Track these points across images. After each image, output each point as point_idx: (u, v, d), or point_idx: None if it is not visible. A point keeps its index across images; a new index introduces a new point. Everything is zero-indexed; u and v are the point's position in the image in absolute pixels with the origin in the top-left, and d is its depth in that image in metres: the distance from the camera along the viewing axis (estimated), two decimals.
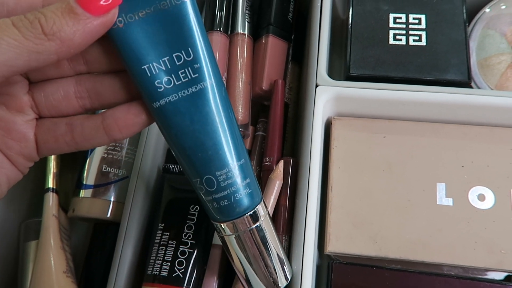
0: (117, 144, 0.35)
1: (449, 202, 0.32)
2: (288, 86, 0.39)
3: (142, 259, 0.31)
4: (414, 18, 0.36)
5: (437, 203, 0.32)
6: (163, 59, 0.19)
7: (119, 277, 0.29)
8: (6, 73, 0.16)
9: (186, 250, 0.28)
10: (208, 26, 0.37)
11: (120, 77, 0.20)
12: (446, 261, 0.30)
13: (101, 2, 0.17)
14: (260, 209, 0.23)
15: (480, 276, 0.30)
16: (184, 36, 0.19)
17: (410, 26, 0.36)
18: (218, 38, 0.37)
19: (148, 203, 0.33)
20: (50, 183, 0.33)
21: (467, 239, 0.31)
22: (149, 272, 0.29)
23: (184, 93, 0.19)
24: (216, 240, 0.31)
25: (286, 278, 0.26)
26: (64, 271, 0.29)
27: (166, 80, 0.19)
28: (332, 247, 0.31)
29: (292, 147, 0.38)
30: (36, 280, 0.29)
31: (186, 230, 0.29)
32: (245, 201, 0.22)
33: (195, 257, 0.28)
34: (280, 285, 0.25)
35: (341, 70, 0.41)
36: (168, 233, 0.29)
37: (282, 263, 0.25)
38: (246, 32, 0.38)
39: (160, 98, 0.19)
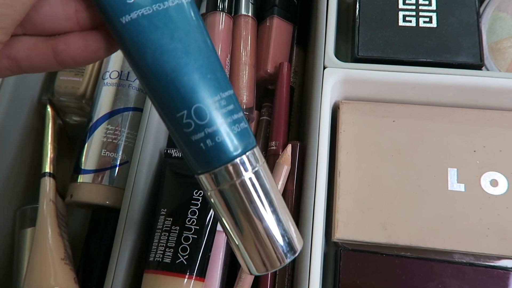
0: (116, 128, 0.34)
1: (460, 187, 0.31)
2: (293, 70, 0.38)
3: (143, 246, 0.30)
4: None
5: (449, 189, 0.31)
6: None
7: (119, 265, 0.28)
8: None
9: (190, 236, 0.27)
10: (211, 7, 0.36)
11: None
12: (457, 248, 0.29)
13: None
14: (257, 153, 0.19)
15: (493, 264, 0.29)
16: None
17: (420, 7, 0.34)
18: (222, 19, 0.35)
19: (150, 189, 0.31)
20: (47, 168, 0.32)
21: (479, 226, 0.30)
22: (151, 259, 0.27)
23: (159, 6, 0.17)
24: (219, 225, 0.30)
25: (298, 246, 0.19)
26: (62, 258, 0.28)
27: None
28: (340, 234, 0.30)
29: (298, 132, 0.37)
30: (33, 268, 0.27)
31: (190, 216, 0.28)
32: (240, 139, 0.18)
33: (199, 243, 0.27)
34: (287, 256, 0.19)
35: (347, 55, 0.40)
36: (171, 219, 0.28)
37: (291, 226, 0.19)
38: (250, 14, 0.37)
39: (130, 11, 0.17)
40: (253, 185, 0.18)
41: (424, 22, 0.34)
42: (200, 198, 0.28)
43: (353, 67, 0.32)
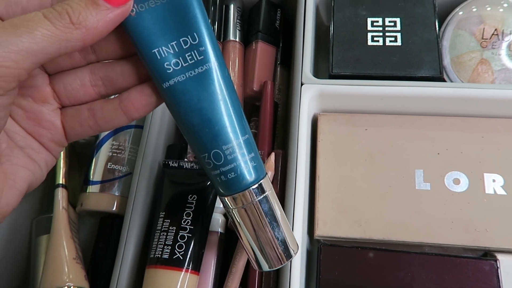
0: (120, 144, 0.38)
1: (427, 186, 0.34)
2: (277, 88, 0.42)
3: (145, 247, 0.34)
4: (390, 21, 0.39)
5: (416, 188, 0.34)
6: (171, 43, 0.21)
7: (124, 262, 0.32)
8: (42, 60, 0.19)
9: (185, 234, 0.31)
10: None
11: (129, 63, 0.23)
12: (425, 240, 0.33)
13: None
14: (265, 182, 0.24)
15: (456, 254, 0.33)
16: (190, 23, 0.21)
17: (387, 28, 0.39)
18: None
19: (150, 196, 0.35)
20: (60, 180, 0.36)
21: (444, 220, 0.33)
22: (152, 256, 0.31)
23: (191, 73, 0.22)
24: (213, 227, 0.34)
25: (294, 250, 0.26)
26: (74, 257, 0.32)
27: (174, 62, 0.21)
28: (320, 232, 0.34)
29: (282, 144, 0.41)
30: (48, 266, 0.31)
31: (185, 217, 0.32)
32: (251, 174, 0.23)
33: (193, 241, 0.31)
34: (287, 257, 0.25)
35: (327, 72, 0.44)
36: (169, 220, 0.32)
37: (290, 235, 0.25)
38: (237, 39, 0.42)
39: (169, 79, 0.21)
40: (262, 206, 0.24)
41: (390, 41, 0.38)
42: (194, 201, 0.32)
43: (327, 83, 0.37)
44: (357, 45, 0.39)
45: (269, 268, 0.25)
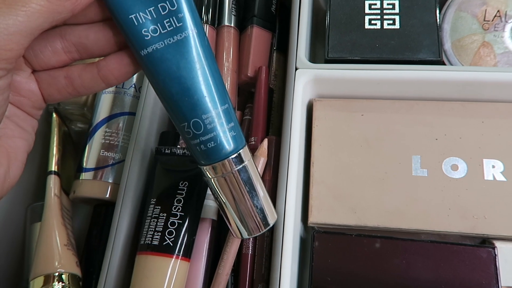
0: (113, 131, 0.38)
1: (424, 173, 0.33)
2: (273, 74, 0.41)
3: (137, 233, 0.34)
4: (388, 4, 0.38)
5: (413, 174, 0.33)
6: (149, 9, 0.21)
7: (115, 248, 0.32)
8: (37, 35, 0.19)
9: (175, 221, 0.31)
10: None
11: (104, 30, 0.22)
12: (421, 227, 0.32)
13: None
14: (244, 152, 0.24)
15: (453, 241, 0.32)
16: None
17: (385, 11, 0.38)
18: (206, 31, 0.39)
19: (142, 183, 0.35)
20: (53, 167, 0.36)
21: (441, 207, 0.32)
22: (142, 242, 0.31)
23: (169, 40, 0.21)
24: (205, 214, 0.33)
25: (272, 219, 0.27)
26: (65, 244, 0.32)
27: (152, 28, 0.21)
28: (313, 219, 0.33)
29: (278, 130, 0.40)
30: (40, 252, 0.31)
31: (176, 203, 0.31)
32: (230, 144, 0.23)
33: (184, 227, 0.31)
34: (265, 226, 0.26)
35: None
36: (160, 207, 0.32)
37: (268, 205, 0.26)
38: (232, 25, 0.41)
39: (147, 46, 0.21)
40: (241, 175, 0.24)
41: (388, 24, 0.37)
42: (185, 188, 0.32)
43: (322, 67, 0.36)
44: (354, 28, 0.37)
45: (248, 235, 0.26)
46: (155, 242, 0.30)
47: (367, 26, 0.37)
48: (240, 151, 0.24)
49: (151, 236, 0.31)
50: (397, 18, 0.37)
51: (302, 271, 0.35)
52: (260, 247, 0.33)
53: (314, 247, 0.32)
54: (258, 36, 0.40)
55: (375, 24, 0.37)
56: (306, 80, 0.36)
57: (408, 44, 0.36)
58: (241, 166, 0.24)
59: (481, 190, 0.32)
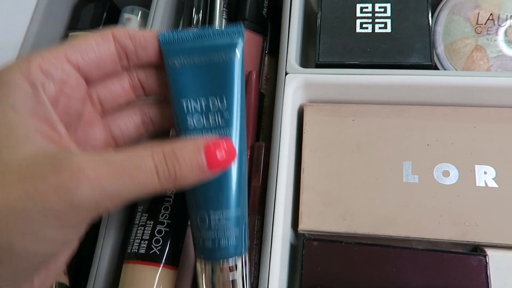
0: None
1: (415, 179, 0.33)
2: (264, 78, 0.41)
3: (125, 242, 0.33)
4: (380, 7, 0.37)
5: (404, 180, 0.33)
6: (200, 98, 0.23)
7: (102, 257, 0.31)
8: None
9: (162, 229, 0.30)
10: (186, 24, 0.40)
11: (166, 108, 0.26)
12: (412, 234, 0.32)
13: (221, 168, 0.21)
14: (239, 262, 0.26)
15: (444, 248, 0.31)
16: (224, 86, 0.23)
17: (376, 14, 0.37)
18: None
19: None
20: None
21: (432, 213, 0.32)
22: (129, 251, 0.31)
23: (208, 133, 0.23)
24: None
25: None
26: None
27: (197, 117, 0.23)
28: (303, 225, 0.33)
29: (269, 135, 0.40)
30: None
31: (163, 211, 0.31)
32: (228, 250, 0.25)
33: (171, 236, 0.30)
34: None
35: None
36: (147, 214, 0.31)
37: None
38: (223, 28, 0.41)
39: (189, 131, 0.23)
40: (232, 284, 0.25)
41: (380, 28, 0.37)
42: (172, 195, 0.32)
43: (312, 72, 0.35)
44: (345, 32, 0.37)
45: None
46: (142, 251, 0.30)
47: (358, 30, 0.37)
48: (233, 258, 0.25)
49: (137, 244, 0.30)
50: (388, 21, 0.37)
51: (292, 279, 0.35)
52: (249, 255, 0.33)
53: (303, 255, 0.32)
54: (248, 40, 0.40)
55: (367, 28, 0.37)
56: (296, 85, 0.35)
57: (400, 48, 0.36)
58: (231, 276, 0.25)
59: (472, 196, 0.32)
